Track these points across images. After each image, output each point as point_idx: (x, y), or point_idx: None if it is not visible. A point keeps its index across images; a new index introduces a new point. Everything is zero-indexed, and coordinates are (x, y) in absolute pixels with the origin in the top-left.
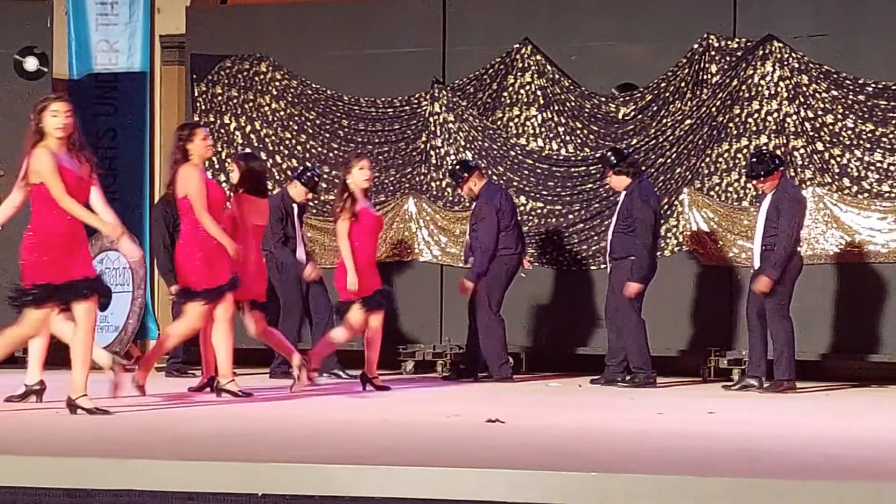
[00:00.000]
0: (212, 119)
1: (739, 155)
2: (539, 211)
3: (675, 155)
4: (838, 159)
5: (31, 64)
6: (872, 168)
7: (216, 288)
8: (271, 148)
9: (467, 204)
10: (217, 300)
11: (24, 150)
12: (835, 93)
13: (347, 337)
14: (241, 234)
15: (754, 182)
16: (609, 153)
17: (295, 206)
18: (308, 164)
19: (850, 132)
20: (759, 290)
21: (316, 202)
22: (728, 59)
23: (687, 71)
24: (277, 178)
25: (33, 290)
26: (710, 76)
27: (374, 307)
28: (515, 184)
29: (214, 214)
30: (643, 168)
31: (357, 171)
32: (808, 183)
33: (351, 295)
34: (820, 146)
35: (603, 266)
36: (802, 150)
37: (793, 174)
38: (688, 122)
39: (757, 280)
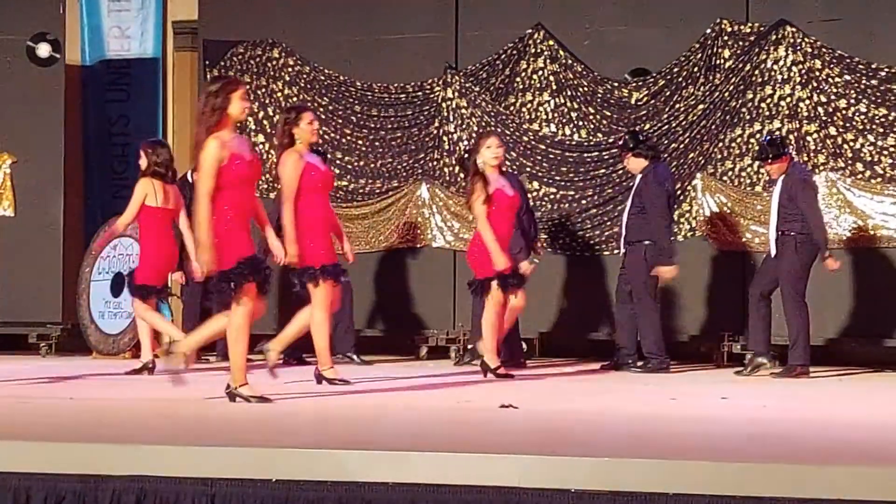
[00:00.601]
0: None
1: (752, 140)
2: (552, 196)
3: (687, 140)
4: (851, 144)
5: (43, 50)
6: (885, 153)
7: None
8: None
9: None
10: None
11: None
12: (848, 77)
13: (498, 317)
14: (145, 219)
15: (763, 165)
16: (626, 136)
17: None
18: (319, 149)
19: (862, 117)
20: (829, 269)
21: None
22: (741, 43)
23: (700, 56)
24: None
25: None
26: (722, 61)
27: (511, 286)
28: (528, 169)
29: (318, 198)
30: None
31: (485, 149)
32: (821, 167)
33: (488, 273)
34: (833, 131)
35: (616, 251)
36: (815, 135)
37: (806, 159)
38: (700, 107)
39: (826, 262)
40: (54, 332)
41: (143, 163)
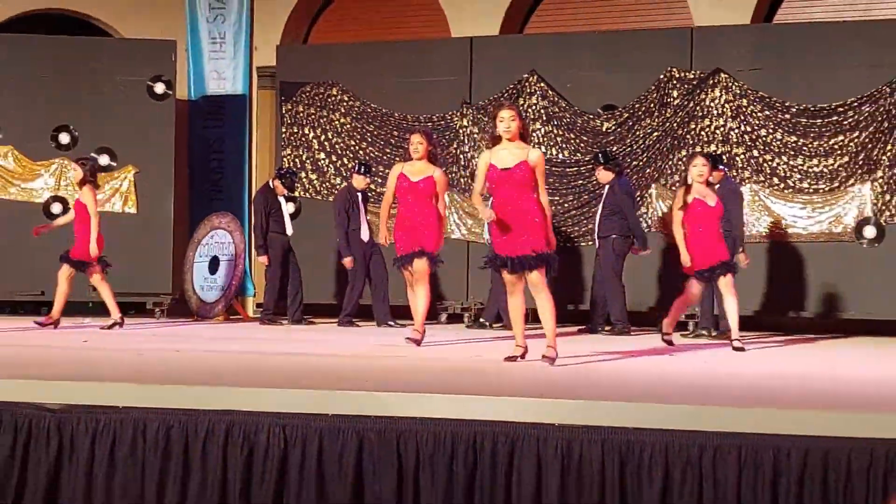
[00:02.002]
0: (295, 130)
1: None
2: None
3: (645, 159)
4: (770, 163)
5: (159, 88)
6: (795, 170)
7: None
8: (340, 152)
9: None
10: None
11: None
12: (767, 112)
13: (690, 303)
14: (85, 215)
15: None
16: (600, 154)
17: (359, 194)
18: (365, 163)
19: (779, 143)
20: (744, 265)
21: (373, 194)
22: (686, 86)
23: (655, 95)
24: (344, 174)
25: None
26: (672, 99)
27: (704, 280)
28: None
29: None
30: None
31: (692, 167)
32: (747, 181)
33: (687, 270)
34: (756, 153)
35: (590, 243)
36: (742, 156)
37: (734, 174)
38: (655, 134)
39: (740, 257)
40: (166, 300)
41: (79, 174)
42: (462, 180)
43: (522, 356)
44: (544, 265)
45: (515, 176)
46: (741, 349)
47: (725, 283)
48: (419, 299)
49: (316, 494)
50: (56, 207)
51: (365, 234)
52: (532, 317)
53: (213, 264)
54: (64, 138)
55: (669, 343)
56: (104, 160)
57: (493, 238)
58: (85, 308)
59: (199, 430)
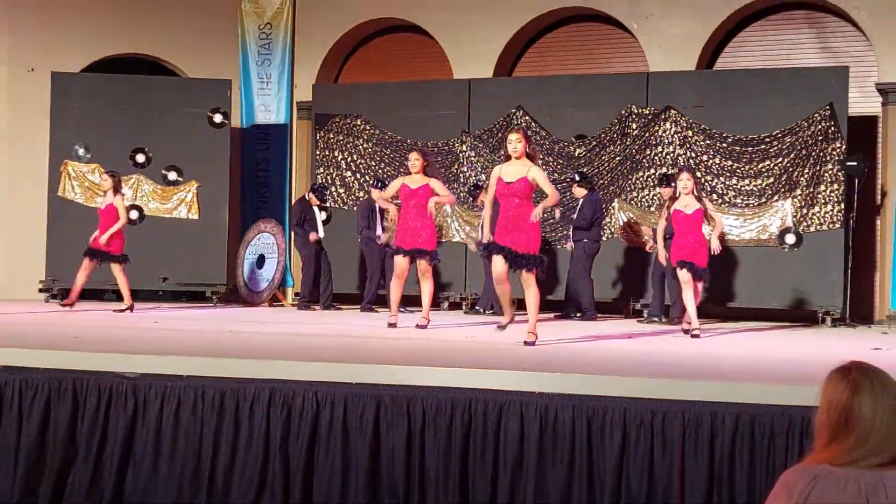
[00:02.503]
0: (327, 153)
1: (649, 179)
2: None
3: (610, 178)
4: (711, 183)
5: (218, 118)
6: (731, 188)
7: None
8: (363, 170)
9: (480, 208)
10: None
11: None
12: (708, 141)
13: (689, 291)
14: (114, 218)
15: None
16: (576, 174)
17: (376, 204)
18: (382, 180)
19: (717, 166)
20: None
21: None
22: (642, 120)
23: (617, 127)
24: (366, 189)
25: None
26: (631, 130)
27: (684, 268)
28: None
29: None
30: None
31: (678, 181)
32: None
33: (674, 262)
34: (699, 174)
35: (566, 245)
36: None
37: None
38: (618, 158)
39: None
40: (221, 289)
41: (109, 183)
42: (461, 195)
43: (511, 321)
44: (535, 265)
45: (516, 189)
46: (696, 336)
47: (687, 279)
48: (424, 292)
49: (341, 448)
50: (133, 213)
51: (380, 235)
52: (519, 305)
53: (260, 261)
54: (140, 158)
55: (694, 335)
56: (172, 176)
57: (495, 236)
58: (156, 295)
59: (247, 395)
